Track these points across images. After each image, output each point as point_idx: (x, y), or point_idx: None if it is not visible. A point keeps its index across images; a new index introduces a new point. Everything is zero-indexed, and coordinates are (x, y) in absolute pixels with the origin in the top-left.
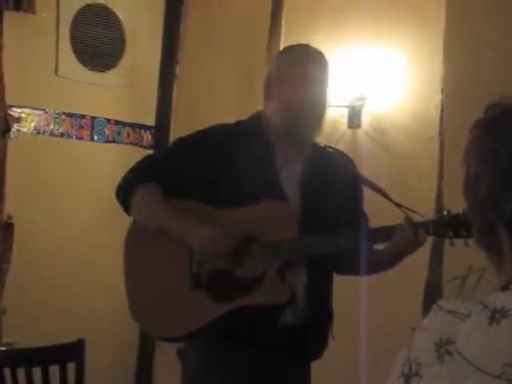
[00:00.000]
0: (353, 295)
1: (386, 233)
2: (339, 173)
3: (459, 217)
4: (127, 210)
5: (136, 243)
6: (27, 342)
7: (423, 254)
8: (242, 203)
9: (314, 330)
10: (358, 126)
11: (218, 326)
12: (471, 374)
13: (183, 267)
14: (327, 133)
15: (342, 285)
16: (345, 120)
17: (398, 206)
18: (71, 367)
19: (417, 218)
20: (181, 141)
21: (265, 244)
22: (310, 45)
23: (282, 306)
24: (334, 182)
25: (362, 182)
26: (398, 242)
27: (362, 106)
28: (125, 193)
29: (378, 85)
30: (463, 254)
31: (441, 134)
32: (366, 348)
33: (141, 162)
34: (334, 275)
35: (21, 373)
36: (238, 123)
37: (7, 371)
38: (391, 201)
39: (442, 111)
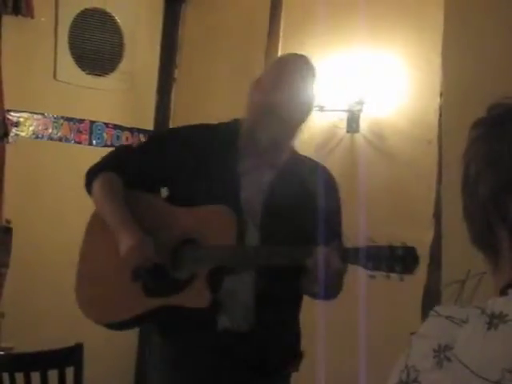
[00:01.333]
0: (351, 300)
1: (305, 252)
2: (314, 188)
3: (383, 249)
4: (90, 196)
5: (95, 228)
6: (26, 346)
7: (422, 258)
8: (193, 204)
9: (267, 339)
10: (357, 130)
11: (154, 322)
12: (470, 380)
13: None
14: (325, 137)
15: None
16: (343, 124)
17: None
18: (70, 371)
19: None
20: (154, 136)
21: (200, 247)
22: (303, 54)
23: (211, 310)
24: (305, 196)
25: (333, 200)
26: (315, 265)
27: (360, 111)
28: (87, 180)
29: (377, 89)
30: (461, 259)
31: (439, 138)
32: (365, 353)
33: (112, 151)
34: None
35: (19, 377)
36: (217, 125)
37: (6, 376)
38: (337, 225)
39: (440, 115)
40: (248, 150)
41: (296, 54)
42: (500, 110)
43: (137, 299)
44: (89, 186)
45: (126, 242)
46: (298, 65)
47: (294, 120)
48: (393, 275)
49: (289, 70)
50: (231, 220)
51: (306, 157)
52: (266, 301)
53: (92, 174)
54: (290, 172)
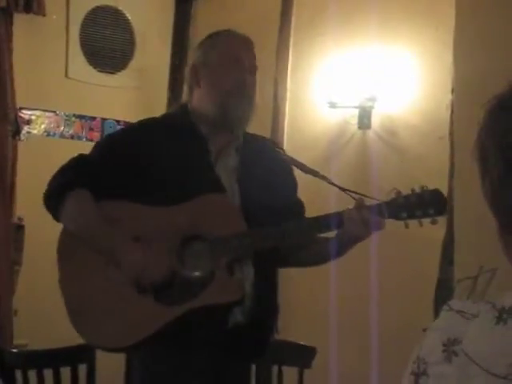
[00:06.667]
0: (364, 296)
1: (337, 219)
2: (273, 160)
3: (412, 197)
4: (57, 217)
5: (71, 250)
6: (39, 343)
7: (434, 254)
8: (179, 201)
9: (261, 327)
10: (368, 126)
11: (169, 331)
12: (477, 375)
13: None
14: (337, 133)
15: (352, 285)
16: (355, 121)
17: (344, 190)
18: (82, 369)
19: (369, 202)
20: (109, 139)
21: (211, 241)
22: (233, 29)
23: (233, 304)
24: (270, 170)
25: (301, 169)
26: (349, 228)
27: (372, 107)
28: (54, 200)
29: (388, 85)
30: (474, 254)
31: (451, 134)
32: (377, 348)
33: (69, 164)
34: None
35: (32, 374)
36: (165, 117)
37: (18, 373)
38: (336, 185)
39: (452, 111)
40: (213, 135)
41: (235, 31)
42: None
43: (154, 312)
44: (56, 209)
45: (126, 258)
46: (248, 42)
47: (255, 97)
48: (425, 220)
49: (245, 47)
50: (233, 206)
51: (253, 134)
52: (265, 288)
53: (55, 196)
54: (253, 149)
